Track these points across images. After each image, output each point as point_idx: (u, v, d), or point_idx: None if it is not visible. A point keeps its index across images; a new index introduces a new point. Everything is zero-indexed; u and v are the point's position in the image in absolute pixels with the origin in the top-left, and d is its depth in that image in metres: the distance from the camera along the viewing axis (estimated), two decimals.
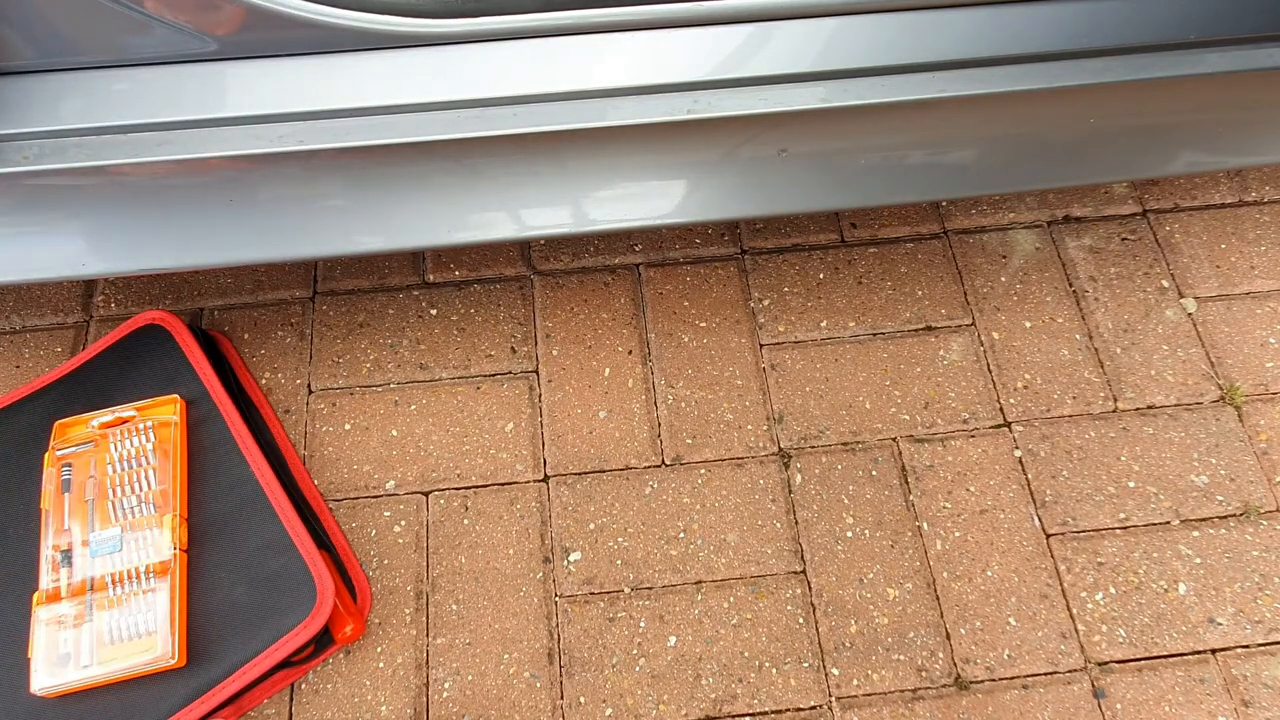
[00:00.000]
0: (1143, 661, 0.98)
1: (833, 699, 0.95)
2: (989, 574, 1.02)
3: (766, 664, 0.97)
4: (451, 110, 0.77)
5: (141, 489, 0.94)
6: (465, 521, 1.05)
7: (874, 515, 1.05)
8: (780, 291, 1.20)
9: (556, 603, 1.00)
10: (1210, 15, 0.81)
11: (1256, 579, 1.02)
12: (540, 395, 1.13)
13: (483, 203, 0.87)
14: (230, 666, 0.87)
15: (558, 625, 0.99)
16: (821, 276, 1.22)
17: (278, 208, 0.84)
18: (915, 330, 1.18)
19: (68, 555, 0.90)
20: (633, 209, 0.90)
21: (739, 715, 0.95)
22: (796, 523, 1.05)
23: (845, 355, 1.16)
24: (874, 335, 1.17)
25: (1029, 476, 1.08)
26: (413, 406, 1.12)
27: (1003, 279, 1.22)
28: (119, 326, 1.09)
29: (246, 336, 1.16)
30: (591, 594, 1.01)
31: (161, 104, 0.76)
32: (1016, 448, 1.10)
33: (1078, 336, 1.18)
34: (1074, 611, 1.00)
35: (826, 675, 0.97)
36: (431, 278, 1.22)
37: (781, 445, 1.10)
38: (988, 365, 1.15)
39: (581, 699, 0.95)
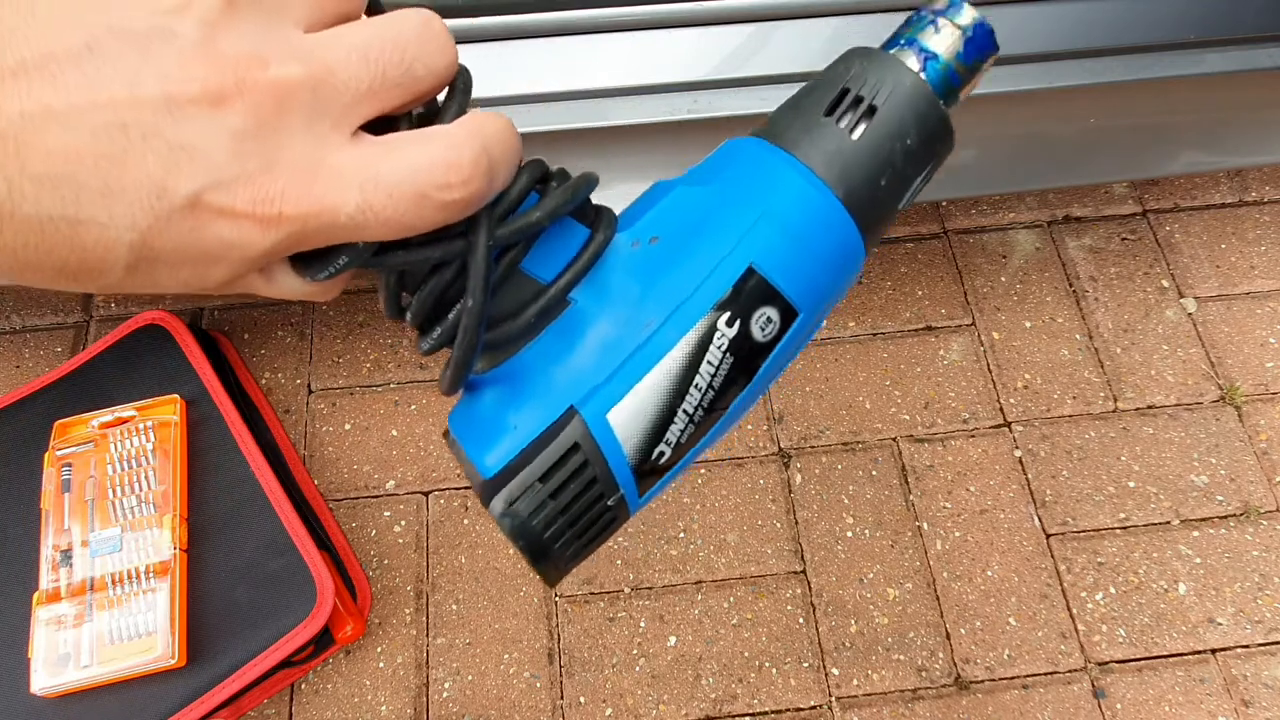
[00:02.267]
0: (1143, 661, 0.98)
1: (833, 699, 0.95)
2: (989, 574, 1.02)
3: (766, 664, 0.97)
4: None
5: (141, 489, 0.94)
6: (465, 521, 1.05)
7: (874, 515, 1.05)
8: None
9: (556, 603, 1.00)
10: (1209, 15, 0.81)
11: (1256, 579, 1.02)
12: None
13: None
14: (230, 666, 0.87)
15: (558, 625, 0.99)
16: None
17: None
18: (915, 330, 1.18)
19: (68, 555, 0.90)
20: None
21: (739, 715, 0.95)
22: (796, 523, 1.05)
23: (845, 355, 1.16)
24: (874, 335, 1.17)
25: (1029, 476, 1.08)
26: (413, 406, 1.12)
27: (1003, 279, 1.22)
28: (119, 326, 1.09)
29: (246, 336, 1.17)
30: (591, 594, 1.01)
31: None
32: (1016, 448, 1.10)
33: (1078, 336, 1.18)
34: (1074, 611, 1.00)
35: (826, 675, 0.97)
36: None
37: (781, 445, 1.10)
38: (988, 365, 1.15)
39: (581, 699, 0.95)
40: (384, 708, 0.95)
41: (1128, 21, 0.80)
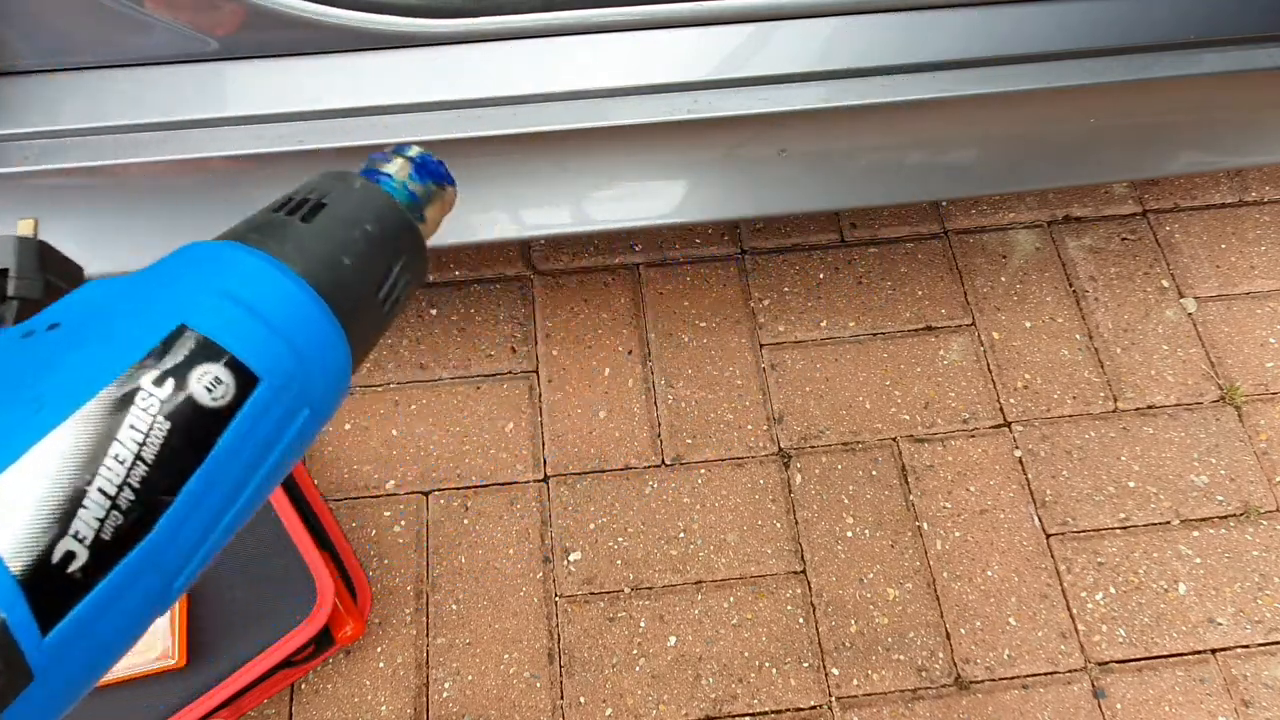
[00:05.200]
0: (1143, 661, 0.98)
1: (833, 699, 0.95)
2: (989, 574, 1.02)
3: (766, 664, 0.97)
4: (451, 110, 0.77)
5: None
6: (465, 521, 1.05)
7: (874, 515, 1.05)
8: (780, 291, 1.20)
9: (556, 603, 1.00)
10: (1209, 15, 0.81)
11: (1256, 579, 1.02)
12: (540, 395, 1.13)
13: (483, 203, 0.87)
14: (230, 666, 0.87)
15: (558, 625, 0.99)
16: (821, 276, 1.22)
17: None
18: (915, 330, 1.18)
19: None
20: (633, 209, 0.90)
21: (739, 715, 0.95)
22: (796, 523, 1.05)
23: (845, 355, 1.16)
24: (874, 335, 1.17)
25: (1029, 476, 1.08)
26: (413, 406, 1.12)
27: (1003, 279, 1.22)
28: None
29: None
30: (591, 594, 1.01)
31: (162, 104, 0.76)
32: (1016, 448, 1.10)
33: (1078, 336, 1.18)
34: (1074, 611, 1.00)
35: (826, 675, 0.97)
36: (431, 277, 1.22)
37: (781, 445, 1.10)
38: (988, 365, 1.15)
39: (581, 699, 0.95)
40: (384, 708, 0.95)
41: (1128, 21, 0.81)
